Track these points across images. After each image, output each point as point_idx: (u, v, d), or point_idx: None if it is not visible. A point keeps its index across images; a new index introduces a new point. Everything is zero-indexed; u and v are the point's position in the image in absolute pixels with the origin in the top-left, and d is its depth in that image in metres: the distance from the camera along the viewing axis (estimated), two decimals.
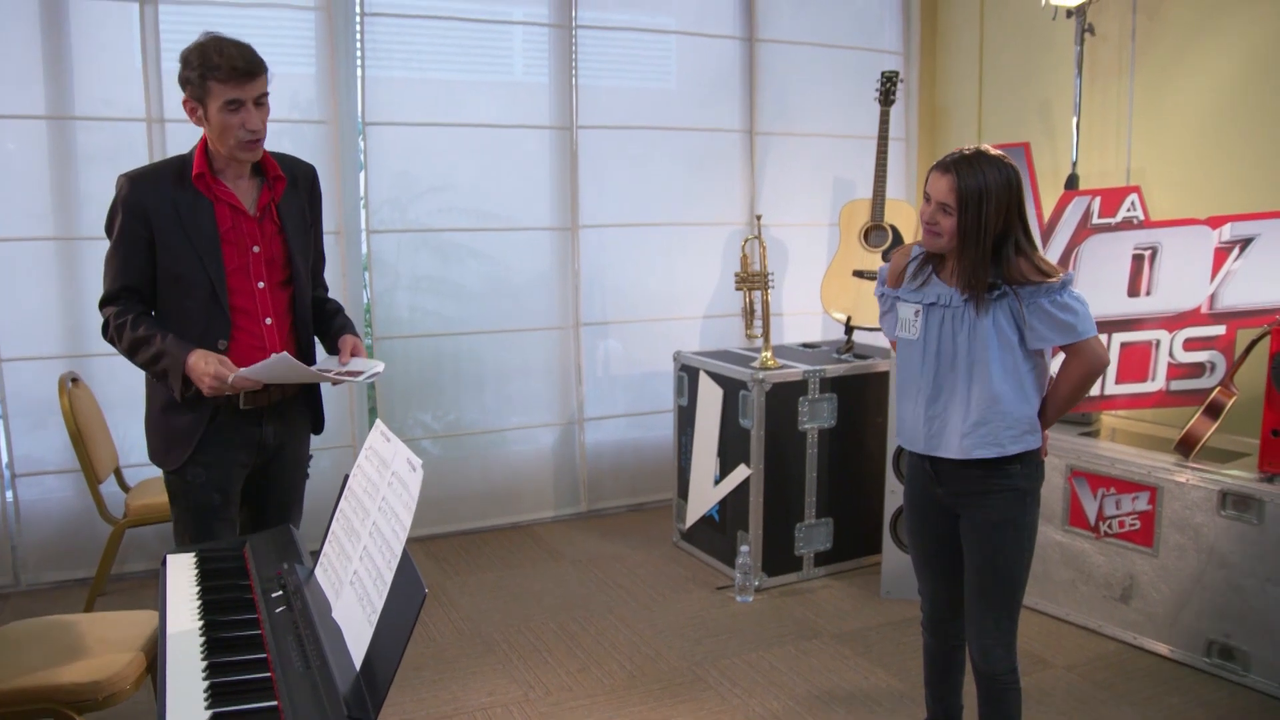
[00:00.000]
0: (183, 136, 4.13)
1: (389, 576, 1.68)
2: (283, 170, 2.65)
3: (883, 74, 4.84)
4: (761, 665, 3.52)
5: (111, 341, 2.60)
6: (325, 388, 2.87)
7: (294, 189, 2.69)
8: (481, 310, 4.87)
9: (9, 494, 4.16)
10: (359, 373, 2.62)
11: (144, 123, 4.21)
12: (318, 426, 2.87)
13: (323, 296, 2.88)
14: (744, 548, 4.09)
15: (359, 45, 4.51)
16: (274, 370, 2.47)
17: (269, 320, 2.63)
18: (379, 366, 2.63)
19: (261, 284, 2.61)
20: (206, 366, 2.44)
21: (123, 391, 4.15)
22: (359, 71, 4.53)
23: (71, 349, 4.20)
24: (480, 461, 4.94)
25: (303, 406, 2.79)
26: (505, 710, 3.22)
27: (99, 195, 4.19)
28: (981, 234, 2.41)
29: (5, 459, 4.15)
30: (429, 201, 4.76)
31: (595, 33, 4.97)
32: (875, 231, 4.78)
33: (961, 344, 2.49)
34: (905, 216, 4.81)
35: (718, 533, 4.37)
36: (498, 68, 4.92)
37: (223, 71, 2.42)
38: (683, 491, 4.59)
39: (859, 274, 4.63)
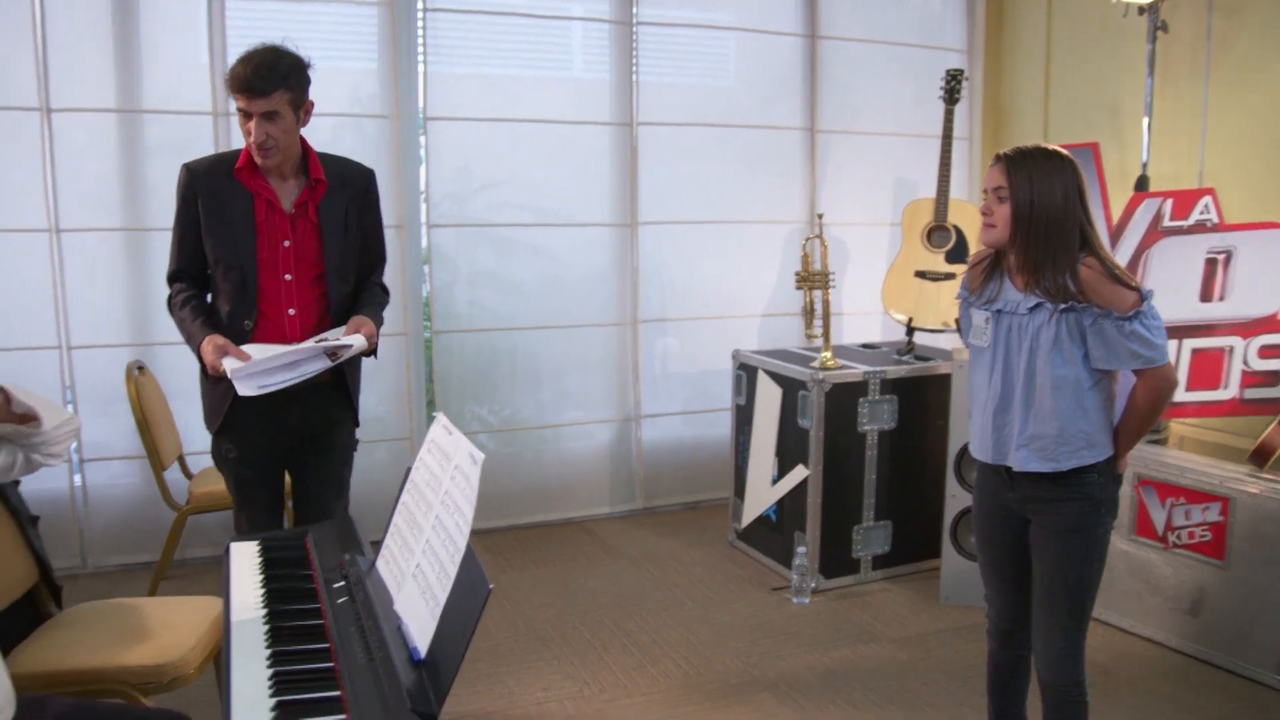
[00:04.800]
0: None
1: (452, 570, 1.67)
2: (330, 174, 2.78)
3: (948, 72, 4.77)
4: (818, 668, 3.48)
5: (171, 314, 2.83)
6: (365, 378, 3.06)
7: (339, 192, 2.80)
8: (539, 305, 4.88)
9: (77, 478, 4.24)
10: (325, 340, 2.70)
11: (210, 116, 4.27)
12: (354, 417, 2.98)
13: (365, 286, 2.96)
14: (801, 549, 4.04)
15: (421, 40, 4.54)
16: (256, 365, 2.61)
17: (292, 311, 2.77)
18: (356, 341, 2.69)
19: (289, 276, 2.75)
20: (209, 355, 2.64)
21: (187, 380, 4.18)
22: (420, 67, 4.56)
23: (138, 337, 4.27)
24: (536, 457, 4.95)
25: (337, 394, 2.90)
26: (560, 705, 3.22)
27: (165, 187, 4.24)
28: (1037, 219, 2.37)
29: (74, 444, 4.23)
30: (488, 196, 4.77)
31: (655, 29, 4.96)
32: (938, 232, 4.70)
33: (1023, 354, 2.45)
34: (969, 217, 4.73)
35: (774, 533, 4.33)
36: (557, 64, 4.93)
37: (230, 82, 2.62)
38: (739, 491, 4.55)
39: (921, 274, 4.57)
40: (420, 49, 4.55)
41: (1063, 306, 2.38)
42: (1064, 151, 2.43)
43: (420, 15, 4.52)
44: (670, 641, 3.68)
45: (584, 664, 3.50)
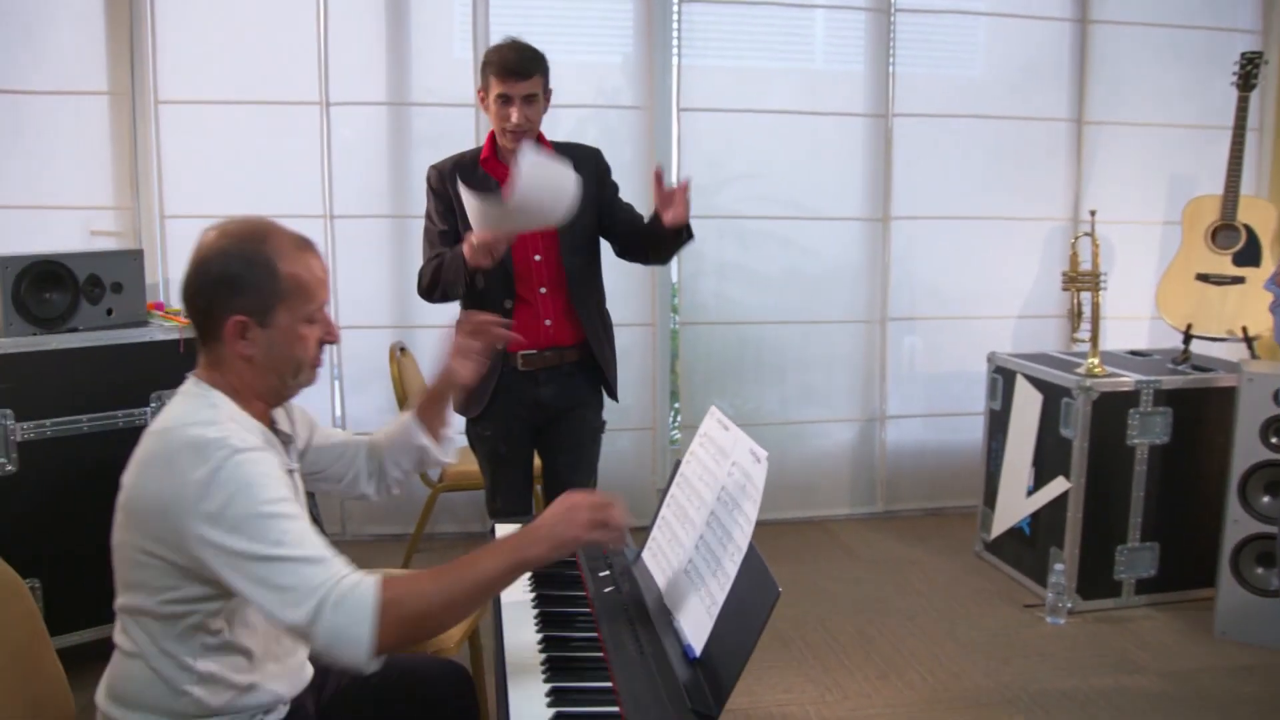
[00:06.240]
0: None
1: (732, 569, 1.63)
2: (561, 153, 2.87)
3: (1243, 55, 4.37)
4: (1076, 696, 3.25)
5: (427, 293, 2.94)
6: (622, 360, 3.17)
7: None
8: (784, 300, 4.81)
9: None
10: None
11: (471, 108, 4.42)
12: (610, 392, 3.10)
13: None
14: (1058, 566, 3.80)
15: (675, 31, 4.55)
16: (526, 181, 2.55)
17: (543, 289, 2.94)
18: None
19: (538, 257, 2.92)
20: (472, 243, 2.68)
21: None
22: (675, 59, 4.57)
23: (401, 320, 4.48)
24: (777, 452, 4.79)
25: (586, 373, 3.03)
26: (801, 709, 3.14)
27: None
28: None
29: (338, 414, 4.50)
30: (736, 188, 4.74)
31: (909, 17, 4.78)
32: (1225, 231, 4.31)
33: None
34: (1262, 215, 4.31)
35: (1027, 547, 4.09)
36: (801, 55, 4.85)
37: (495, 67, 2.80)
38: (989, 500, 4.33)
39: (1203, 278, 4.22)
40: (675, 40, 4.56)
41: None
42: None
43: (675, 6, 4.54)
44: (914, 652, 3.54)
45: (825, 669, 3.41)
